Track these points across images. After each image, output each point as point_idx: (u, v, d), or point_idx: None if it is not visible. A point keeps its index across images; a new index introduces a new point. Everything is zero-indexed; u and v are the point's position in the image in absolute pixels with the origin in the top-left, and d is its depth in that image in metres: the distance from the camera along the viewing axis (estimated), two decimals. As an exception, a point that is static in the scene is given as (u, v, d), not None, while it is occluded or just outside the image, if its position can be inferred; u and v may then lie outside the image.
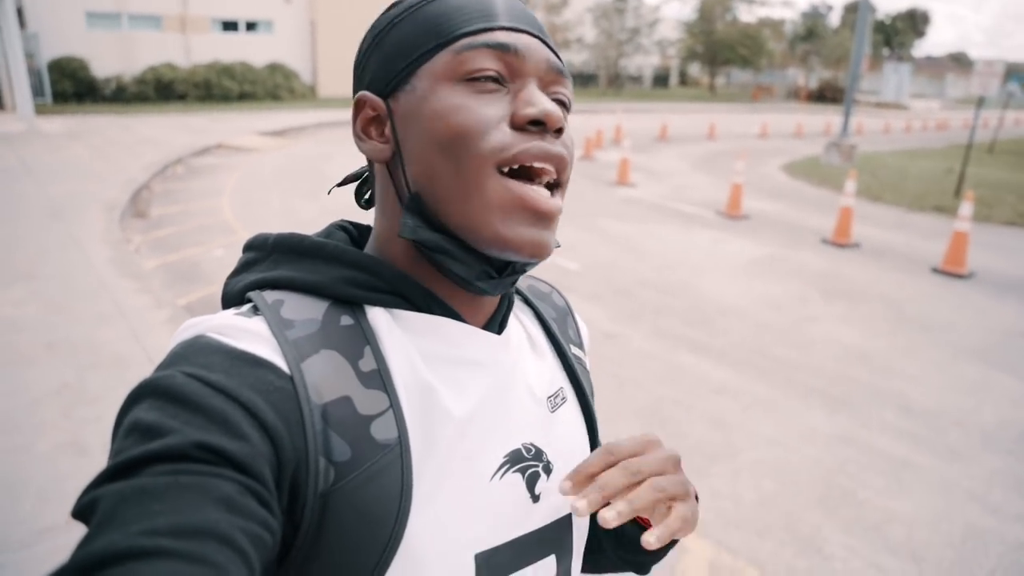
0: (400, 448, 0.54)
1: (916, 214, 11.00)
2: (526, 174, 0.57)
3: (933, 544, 3.00)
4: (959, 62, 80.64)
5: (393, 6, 0.62)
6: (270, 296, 0.58)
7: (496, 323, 0.65)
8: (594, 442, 0.75)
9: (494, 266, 0.60)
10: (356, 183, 0.72)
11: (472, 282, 0.60)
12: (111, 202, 8.27)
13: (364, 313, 0.59)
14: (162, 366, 0.51)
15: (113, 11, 22.42)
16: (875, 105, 48.02)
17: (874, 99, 51.22)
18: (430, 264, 0.61)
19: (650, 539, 0.52)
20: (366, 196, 0.70)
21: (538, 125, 0.57)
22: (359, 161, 0.71)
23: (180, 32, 23.88)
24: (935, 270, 7.45)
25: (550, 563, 0.64)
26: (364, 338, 0.57)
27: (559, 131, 0.58)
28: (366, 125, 0.62)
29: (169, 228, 7.75)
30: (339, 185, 0.71)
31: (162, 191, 9.78)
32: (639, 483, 0.55)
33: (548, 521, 0.64)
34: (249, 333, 0.53)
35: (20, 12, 18.30)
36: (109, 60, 22.11)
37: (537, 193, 0.56)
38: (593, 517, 0.84)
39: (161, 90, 22.39)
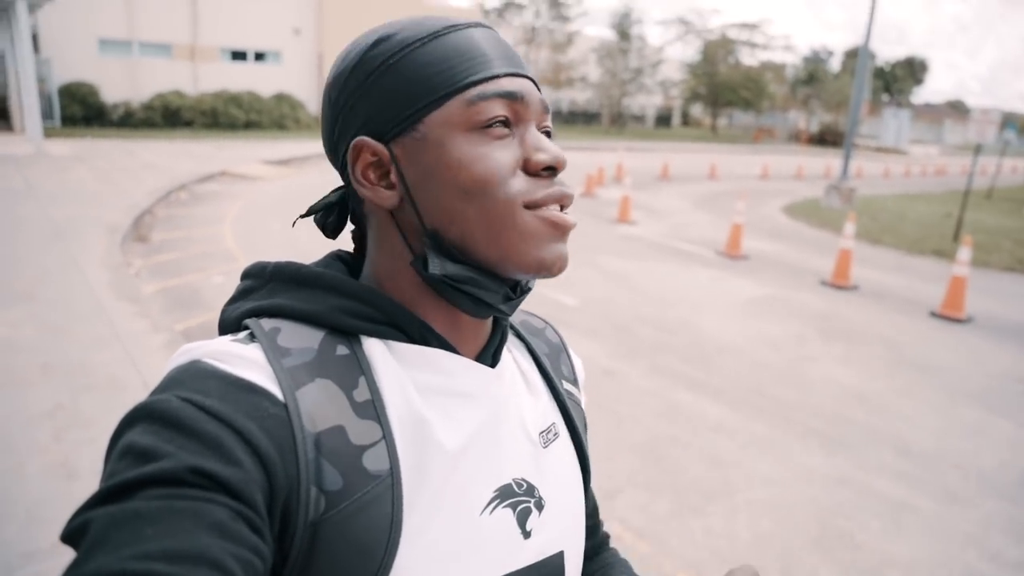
0: (391, 479, 0.54)
1: (915, 257, 11.05)
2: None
3: (931, 590, 2.96)
4: (957, 109, 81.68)
5: (377, 44, 0.60)
6: (267, 324, 0.58)
7: (489, 356, 0.66)
8: (586, 479, 0.75)
9: (511, 287, 0.62)
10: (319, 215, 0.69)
11: (496, 306, 0.61)
12: (113, 225, 8.30)
13: (360, 343, 0.59)
14: (157, 390, 0.51)
15: (125, 39, 22.82)
16: (875, 149, 48.50)
17: (874, 144, 51.70)
18: (438, 296, 0.62)
19: None
20: (329, 222, 0.68)
21: (550, 170, 0.60)
22: None
23: (189, 60, 24.26)
24: (933, 314, 7.45)
25: None
26: (359, 368, 0.57)
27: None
28: (365, 170, 0.61)
29: (170, 253, 7.77)
30: (303, 217, 0.69)
31: (165, 216, 9.83)
32: None
33: (540, 558, 0.63)
34: (245, 360, 0.54)
35: (35, 37, 18.58)
36: (118, 86, 22.44)
37: (559, 213, 0.61)
38: (587, 557, 0.84)
39: (168, 117, 22.65)
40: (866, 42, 16.29)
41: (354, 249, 0.69)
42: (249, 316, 0.60)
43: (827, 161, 31.47)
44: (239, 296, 0.64)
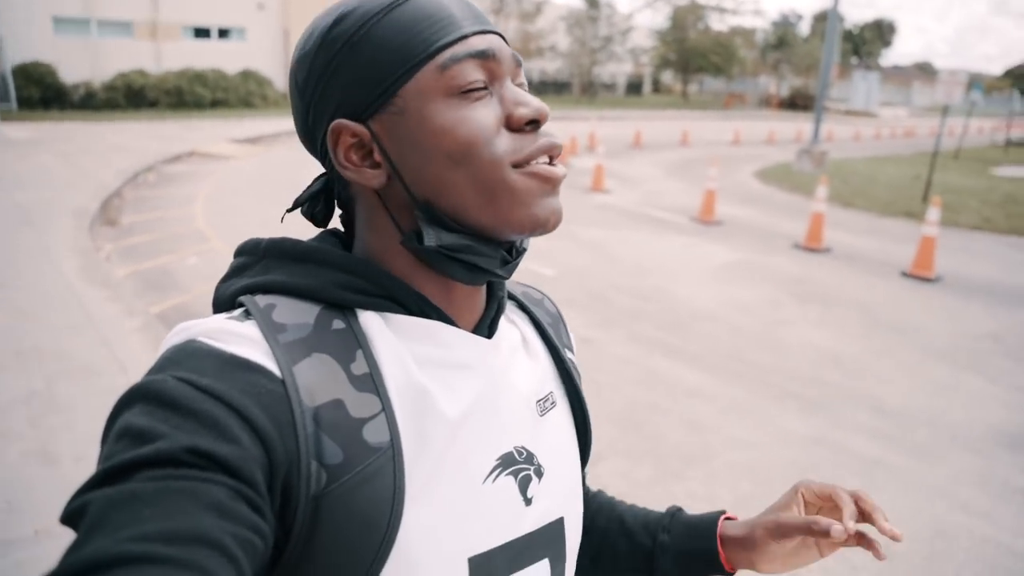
0: (392, 451, 0.54)
1: (886, 219, 11.20)
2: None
3: (904, 541, 3.05)
4: (925, 71, 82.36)
5: (337, 22, 0.58)
6: (262, 300, 0.58)
7: (485, 327, 0.66)
8: (585, 446, 0.75)
9: (506, 250, 0.62)
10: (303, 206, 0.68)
11: (493, 271, 0.61)
12: (80, 209, 8.14)
13: (356, 317, 0.59)
14: (153, 370, 0.51)
15: (82, 16, 22.13)
16: (845, 113, 48.84)
17: (844, 107, 52.06)
18: (430, 269, 0.61)
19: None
20: (317, 212, 0.67)
21: (533, 123, 0.59)
22: None
23: (151, 39, 23.65)
24: (904, 274, 7.59)
25: (543, 567, 0.64)
26: (356, 342, 0.57)
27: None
28: (348, 152, 0.59)
29: (141, 236, 7.65)
30: (290, 211, 0.69)
31: (133, 199, 9.66)
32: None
33: (540, 525, 0.64)
34: (241, 337, 0.53)
35: (-14, 17, 17.99)
36: (78, 66, 21.79)
37: (549, 166, 0.60)
38: (588, 525, 0.85)
39: (131, 97, 22.09)
40: (835, 5, 16.32)
41: (345, 234, 0.68)
42: (244, 293, 0.60)
43: (798, 125, 31.65)
44: (233, 273, 0.64)
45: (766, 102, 54.99)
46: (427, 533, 0.55)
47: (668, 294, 6.48)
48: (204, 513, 0.43)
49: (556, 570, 0.66)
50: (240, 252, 0.65)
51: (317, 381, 0.53)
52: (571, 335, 0.83)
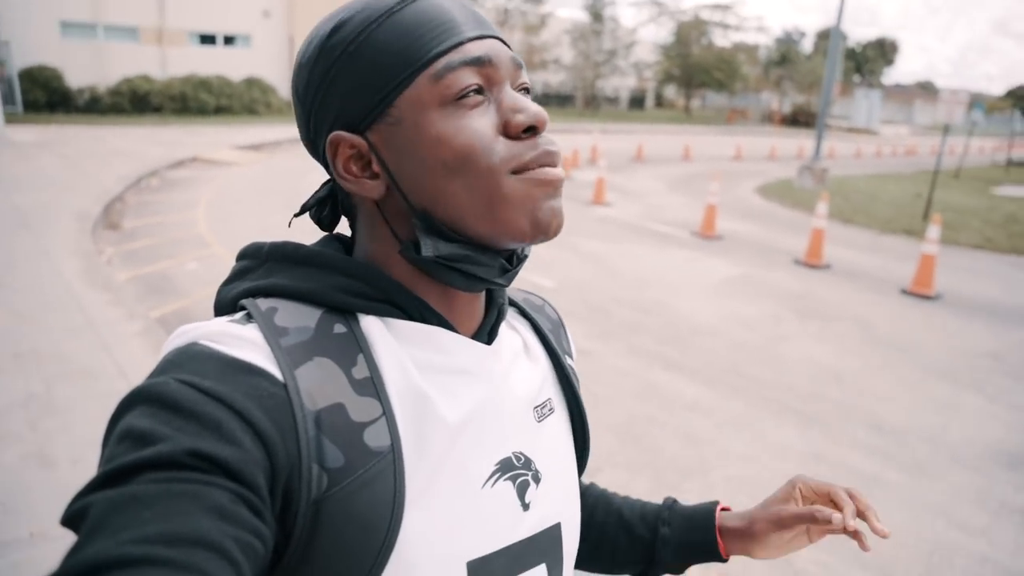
0: (393, 455, 0.54)
1: (886, 236, 11.22)
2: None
3: (902, 559, 3.04)
4: (926, 90, 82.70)
5: (335, 31, 0.58)
6: (264, 304, 0.58)
7: (485, 333, 0.66)
8: (582, 452, 0.76)
9: (506, 258, 0.62)
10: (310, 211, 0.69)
11: (492, 280, 0.61)
12: (83, 213, 8.16)
13: (357, 321, 0.59)
14: (155, 373, 0.51)
15: (89, 21, 22.25)
16: (847, 130, 49.06)
17: (845, 124, 52.34)
18: (428, 277, 0.61)
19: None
20: (324, 216, 0.68)
21: (531, 130, 0.59)
22: None
23: (157, 44, 23.76)
24: (904, 291, 7.59)
25: (541, 572, 0.65)
26: (357, 346, 0.57)
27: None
28: (347, 164, 0.60)
29: (142, 240, 7.66)
30: (298, 215, 0.69)
31: (136, 203, 9.68)
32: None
33: (538, 530, 0.64)
34: (243, 340, 0.53)
35: (-7, 20, 18.09)
36: (83, 70, 21.89)
37: (547, 169, 0.59)
38: (586, 519, 0.86)
39: (136, 102, 22.19)
40: (838, 23, 16.43)
41: (350, 239, 0.69)
42: (245, 296, 0.60)
43: (800, 142, 31.76)
44: (235, 276, 0.64)
45: (768, 118, 55.19)
46: (426, 537, 0.55)
47: (668, 308, 6.48)
48: (205, 516, 0.43)
49: (553, 575, 0.66)
50: (242, 256, 0.65)
51: (318, 385, 0.54)
52: (572, 342, 0.83)
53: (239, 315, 0.58)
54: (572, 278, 7.22)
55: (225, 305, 0.62)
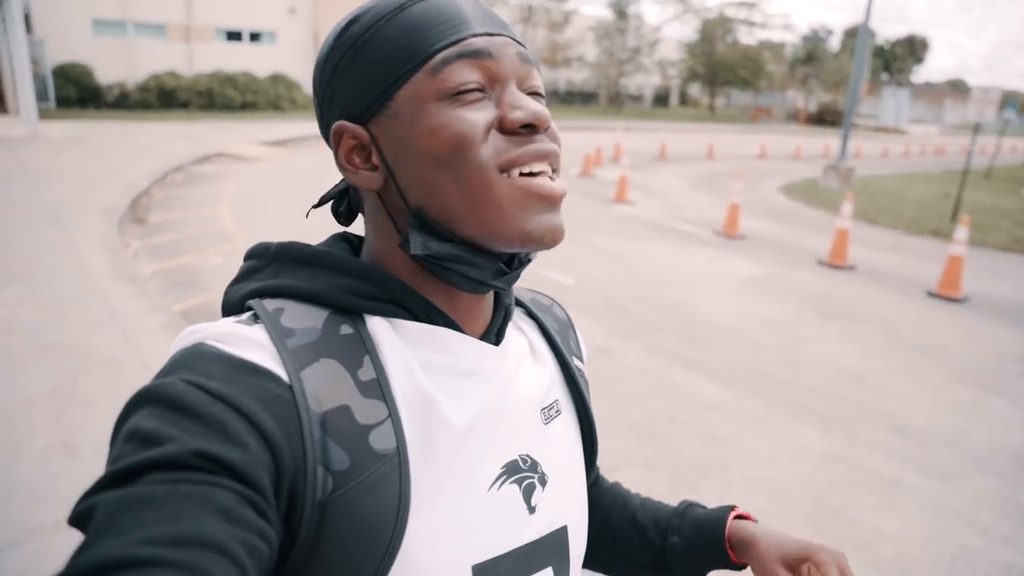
0: (398, 458, 0.54)
1: (913, 237, 11.06)
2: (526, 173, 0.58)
3: (922, 564, 3.00)
4: (957, 88, 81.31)
5: (348, 26, 0.60)
6: (270, 304, 0.58)
7: (493, 334, 0.66)
8: (590, 453, 0.75)
9: (504, 261, 0.61)
10: (332, 202, 0.71)
11: (487, 282, 0.60)
12: (110, 207, 8.28)
13: (364, 322, 0.59)
14: (161, 373, 0.51)
15: (119, 19, 22.59)
16: (874, 129, 48.39)
17: (873, 123, 51.62)
18: (432, 276, 0.61)
19: None
20: (342, 211, 0.70)
21: (529, 128, 0.58)
22: None
23: (184, 41, 24.05)
24: (930, 293, 7.48)
25: (547, 575, 0.64)
26: (363, 347, 0.57)
27: (547, 128, 0.59)
28: (349, 154, 0.61)
29: (167, 234, 7.76)
30: (316, 206, 0.70)
31: (162, 198, 9.81)
32: None
33: (544, 533, 0.64)
34: (249, 341, 0.53)
35: (27, 18, 18.42)
36: (113, 67, 22.26)
37: (543, 181, 0.58)
38: (604, 518, 0.86)
39: (164, 98, 22.51)
40: (865, 20, 16.20)
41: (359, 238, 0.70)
42: (252, 297, 0.60)
43: (825, 141, 31.38)
44: (242, 277, 0.64)
45: (794, 117, 54.59)
46: (431, 541, 0.55)
47: (689, 307, 6.44)
48: (211, 517, 0.43)
49: None
50: (249, 256, 0.65)
51: (324, 387, 0.54)
52: (581, 342, 0.82)
53: (246, 316, 0.58)
54: (592, 276, 7.20)
55: (232, 305, 0.62)
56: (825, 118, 51.61)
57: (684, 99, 56.11)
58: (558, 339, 0.75)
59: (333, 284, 0.59)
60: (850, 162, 17.23)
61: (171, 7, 23.61)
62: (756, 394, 4.61)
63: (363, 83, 0.59)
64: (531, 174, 0.58)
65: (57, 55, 20.94)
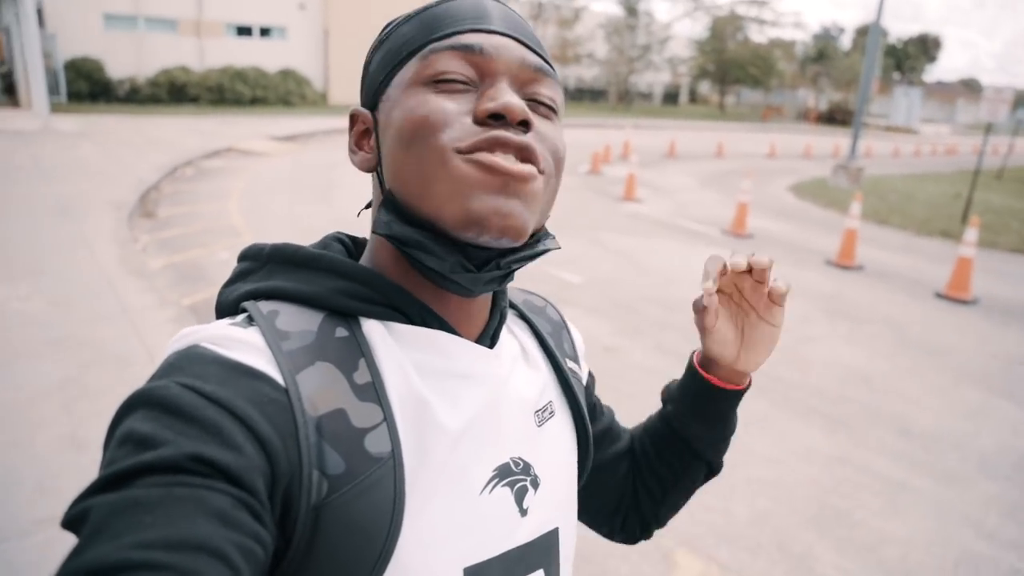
0: (393, 461, 0.54)
1: (922, 238, 11.00)
2: None
3: (926, 567, 2.99)
4: (970, 88, 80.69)
5: (384, 28, 0.65)
6: (265, 307, 0.58)
7: (488, 336, 0.66)
8: (583, 455, 0.75)
9: (471, 259, 0.57)
10: None
11: (447, 276, 0.58)
12: (120, 201, 8.33)
13: (359, 325, 0.59)
14: (156, 376, 0.51)
15: (130, 13, 22.69)
16: (885, 128, 48.11)
17: (884, 122, 51.32)
18: (414, 270, 0.61)
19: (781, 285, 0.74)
20: None
21: (499, 119, 0.56)
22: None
23: (195, 36, 24.13)
24: (939, 295, 7.44)
25: None
26: (359, 350, 0.57)
27: (523, 124, 0.56)
28: (359, 138, 0.64)
29: (176, 229, 7.80)
30: (368, 207, 0.71)
31: (171, 192, 9.85)
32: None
33: (536, 535, 0.64)
34: (244, 344, 0.53)
35: (40, 12, 18.52)
36: (124, 61, 22.37)
37: (500, 158, 0.55)
38: (611, 495, 0.86)
39: (174, 92, 22.61)
40: (877, 18, 16.10)
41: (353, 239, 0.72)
42: (247, 298, 0.60)
43: (836, 140, 31.21)
44: (236, 278, 0.64)
45: (804, 115, 54.34)
46: (425, 544, 0.55)
47: (695, 306, 6.41)
48: (206, 521, 0.43)
49: None
50: (243, 257, 0.65)
51: (320, 390, 0.53)
52: (578, 342, 0.82)
53: (240, 318, 0.58)
54: (599, 274, 7.20)
55: (227, 307, 0.62)
56: (836, 117, 51.36)
57: (694, 97, 55.94)
58: (551, 341, 0.75)
59: (328, 286, 0.59)
60: (860, 161, 17.13)
61: (182, 2, 23.69)
62: (762, 394, 4.60)
63: (377, 73, 0.62)
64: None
65: (69, 49, 21.06)
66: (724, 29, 47.95)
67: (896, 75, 68.05)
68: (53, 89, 19.44)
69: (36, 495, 2.81)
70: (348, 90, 27.18)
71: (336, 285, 0.59)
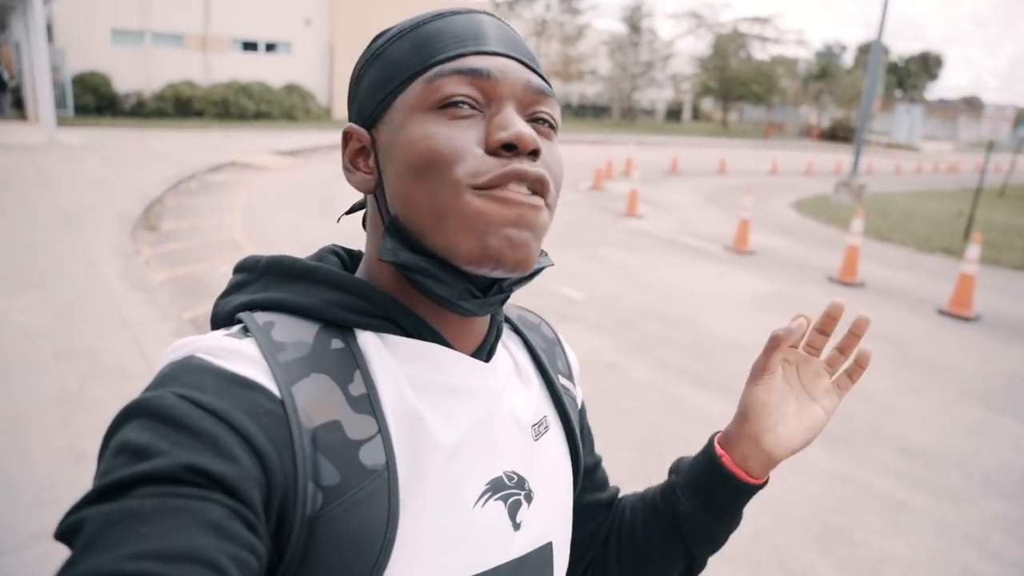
0: (388, 474, 0.54)
1: (924, 255, 10.99)
2: None
3: (928, 587, 2.97)
4: (972, 105, 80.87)
5: (375, 40, 0.63)
6: (261, 318, 0.58)
7: (485, 351, 0.65)
8: (576, 471, 0.75)
9: (477, 285, 0.59)
10: (363, 210, 0.71)
11: (454, 302, 0.59)
12: (124, 214, 8.37)
13: (354, 337, 0.59)
14: (152, 386, 0.50)
15: (137, 28, 22.92)
16: (886, 146, 48.19)
17: (885, 140, 51.41)
18: (414, 288, 0.61)
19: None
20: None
21: (511, 149, 0.56)
22: None
23: (201, 51, 24.34)
24: (941, 312, 7.42)
25: None
26: (354, 362, 0.57)
27: (534, 153, 0.57)
28: (354, 157, 0.63)
29: (179, 242, 7.83)
30: (348, 213, 0.72)
31: (174, 205, 9.89)
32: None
33: (529, 549, 0.63)
34: (240, 355, 0.53)
35: (49, 27, 18.70)
36: (131, 76, 22.56)
37: (515, 191, 0.55)
38: (576, 545, 0.82)
39: (180, 107, 22.77)
40: (879, 37, 16.19)
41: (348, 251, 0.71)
42: (243, 310, 0.60)
43: (838, 157, 31.28)
44: (232, 289, 0.64)
45: (806, 132, 54.50)
46: (418, 557, 0.55)
47: (697, 322, 6.42)
48: (201, 532, 0.42)
49: None
50: (240, 269, 0.65)
51: (315, 402, 0.53)
52: (572, 361, 0.82)
53: (236, 329, 0.58)
54: (601, 290, 7.20)
55: (222, 318, 0.62)
56: (838, 134, 51.49)
57: (697, 114, 56.15)
58: (544, 357, 0.75)
59: (324, 298, 0.59)
60: (862, 179, 17.18)
61: (189, 18, 23.92)
62: (763, 411, 4.58)
63: (372, 90, 0.61)
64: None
65: (76, 64, 21.26)
66: (727, 46, 48.20)
67: (898, 92, 68.30)
68: (60, 103, 19.60)
69: (34, 508, 2.81)
70: (352, 105, 27.28)
71: (332, 297, 0.59)
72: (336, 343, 0.58)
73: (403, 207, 0.58)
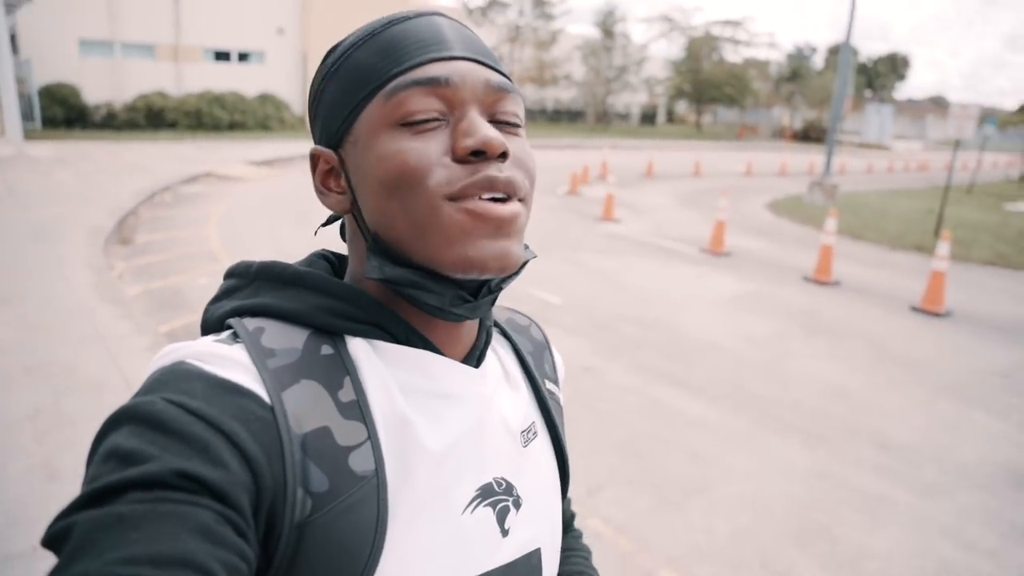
0: (377, 480, 0.54)
1: (896, 253, 11.16)
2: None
3: (907, 580, 3.01)
4: (939, 105, 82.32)
5: (330, 54, 0.62)
6: (250, 324, 0.58)
7: (475, 357, 0.66)
8: (564, 476, 0.75)
9: (467, 289, 0.59)
10: (339, 221, 0.71)
11: (446, 309, 0.59)
12: (96, 227, 8.25)
13: (344, 343, 0.59)
14: (141, 392, 0.50)
15: (106, 39, 22.59)
16: (858, 145, 48.89)
17: (857, 140, 52.16)
18: (404, 299, 0.61)
19: None
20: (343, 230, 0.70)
21: (479, 155, 0.56)
22: None
23: (172, 61, 24.07)
24: (914, 308, 7.54)
25: None
26: (344, 368, 0.57)
27: (503, 155, 0.57)
28: (325, 178, 0.62)
29: (154, 255, 7.73)
30: (325, 224, 0.71)
31: (149, 218, 9.78)
32: None
33: (517, 556, 0.63)
34: (230, 361, 0.53)
35: (13, 38, 18.41)
36: (100, 87, 22.23)
37: (488, 204, 0.56)
38: (568, 556, 0.82)
39: (152, 118, 22.47)
40: (847, 38, 16.44)
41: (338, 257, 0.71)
42: (232, 316, 0.60)
43: (811, 157, 31.68)
44: (222, 295, 0.64)
45: (779, 134, 55.13)
46: (406, 564, 0.55)
47: (674, 324, 6.47)
48: (191, 537, 0.42)
49: None
50: (230, 274, 0.65)
51: (305, 408, 0.53)
52: (558, 364, 0.82)
53: (225, 334, 0.58)
54: (578, 294, 7.22)
55: (212, 324, 0.62)
56: (810, 135, 52.12)
57: (671, 117, 56.56)
58: (531, 361, 0.75)
59: (314, 304, 0.59)
60: (835, 178, 17.41)
61: (159, 28, 23.64)
62: (741, 411, 4.63)
63: (334, 108, 0.60)
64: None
65: (43, 75, 20.90)
66: (700, 50, 48.63)
67: (868, 93, 69.32)
68: (27, 115, 19.29)
69: (6, 528, 2.75)
70: (327, 113, 27.14)
71: (321, 303, 0.59)
72: (326, 349, 0.58)
73: (381, 223, 0.58)
